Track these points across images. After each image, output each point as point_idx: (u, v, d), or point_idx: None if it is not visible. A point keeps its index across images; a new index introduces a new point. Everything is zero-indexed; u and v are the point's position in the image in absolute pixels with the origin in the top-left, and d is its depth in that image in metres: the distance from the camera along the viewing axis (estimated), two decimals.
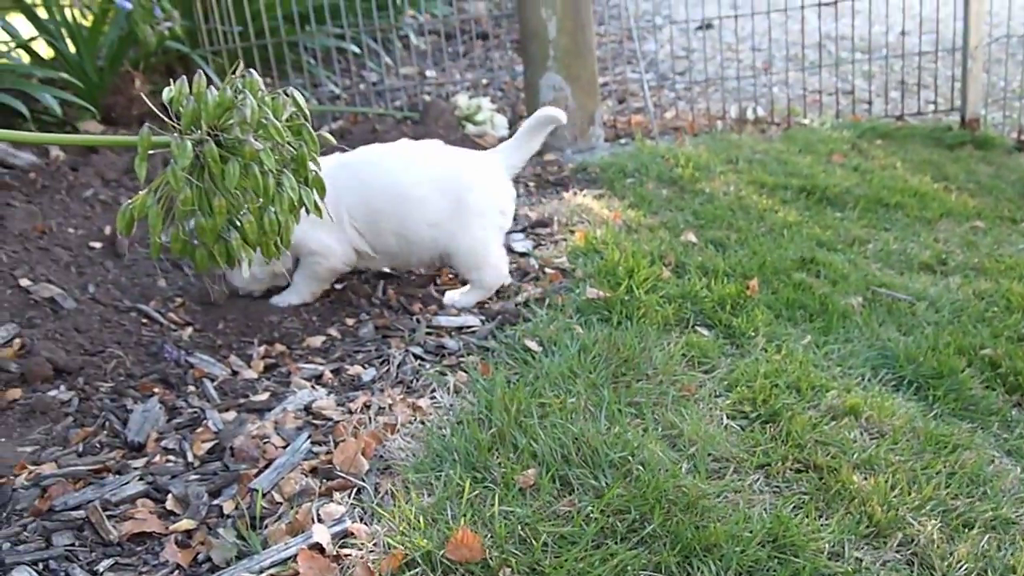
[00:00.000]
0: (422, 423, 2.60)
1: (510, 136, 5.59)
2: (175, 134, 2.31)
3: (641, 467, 2.18)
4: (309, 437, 2.41)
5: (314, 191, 2.40)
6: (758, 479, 2.20)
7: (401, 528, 2.11)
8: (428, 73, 7.23)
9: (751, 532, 1.99)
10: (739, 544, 1.91)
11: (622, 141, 5.67)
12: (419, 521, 2.11)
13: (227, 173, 2.29)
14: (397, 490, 2.17)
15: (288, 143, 2.30)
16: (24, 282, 3.32)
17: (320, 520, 2.20)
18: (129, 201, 2.35)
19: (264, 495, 2.09)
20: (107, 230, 3.91)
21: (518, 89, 6.60)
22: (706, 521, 1.99)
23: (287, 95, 2.44)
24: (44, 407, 2.73)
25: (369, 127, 5.66)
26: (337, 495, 2.29)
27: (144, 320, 3.32)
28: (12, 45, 5.25)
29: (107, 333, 3.17)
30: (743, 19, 7.40)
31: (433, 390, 2.81)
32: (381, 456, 2.38)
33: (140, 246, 3.85)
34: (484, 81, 7.00)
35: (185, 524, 2.21)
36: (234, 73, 2.32)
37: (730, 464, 2.27)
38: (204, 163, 2.31)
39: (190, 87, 2.29)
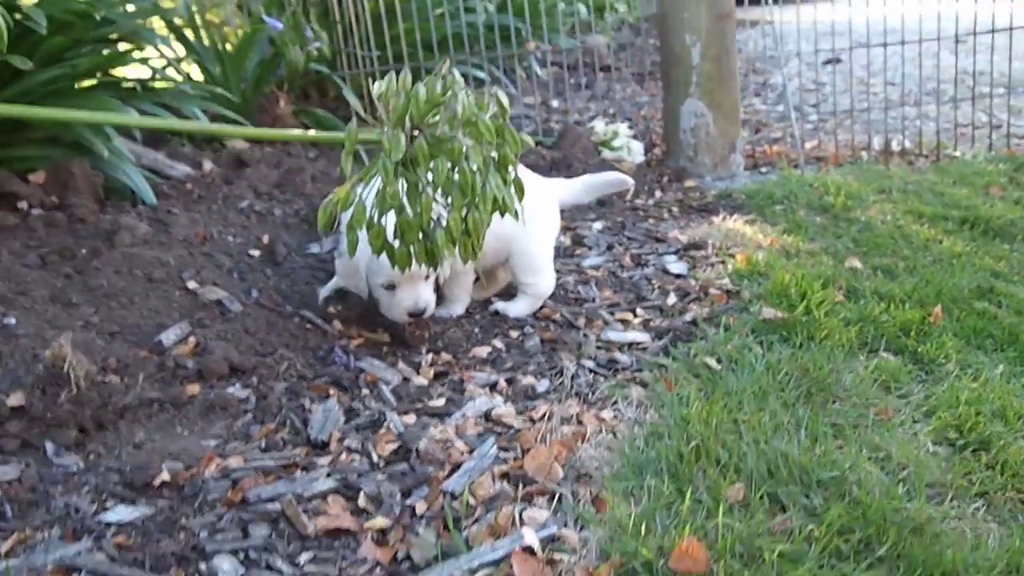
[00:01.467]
0: (612, 434, 2.53)
1: (645, 163, 5.57)
2: (385, 128, 2.32)
3: (856, 487, 2.04)
4: (495, 443, 2.32)
5: (515, 193, 2.39)
6: (980, 507, 2.12)
7: (614, 535, 2.03)
8: (553, 103, 7.24)
9: (989, 561, 1.83)
10: (978, 573, 1.76)
11: (762, 170, 5.56)
12: (635, 528, 2.02)
13: (436, 169, 2.30)
14: (599, 498, 2.05)
15: (493, 142, 2.30)
16: (191, 284, 3.38)
17: (523, 524, 2.12)
18: (330, 195, 2.36)
19: (456, 498, 2.00)
20: (264, 239, 3.97)
21: (646, 119, 6.56)
22: (939, 547, 1.85)
23: (491, 95, 2.43)
24: (223, 403, 2.73)
25: None
26: (537, 500, 2.22)
27: (308, 326, 3.33)
28: (164, 64, 5.42)
29: (275, 336, 3.19)
30: (872, 53, 7.24)
31: (614, 402, 2.74)
32: (573, 465, 2.31)
33: (296, 255, 3.89)
34: (610, 111, 6.97)
35: (380, 522, 2.17)
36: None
37: (947, 491, 2.18)
38: (412, 158, 2.33)
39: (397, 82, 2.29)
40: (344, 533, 2.04)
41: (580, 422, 2.50)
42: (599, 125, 5.75)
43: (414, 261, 2.42)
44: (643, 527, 1.94)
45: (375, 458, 2.45)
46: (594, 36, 8.82)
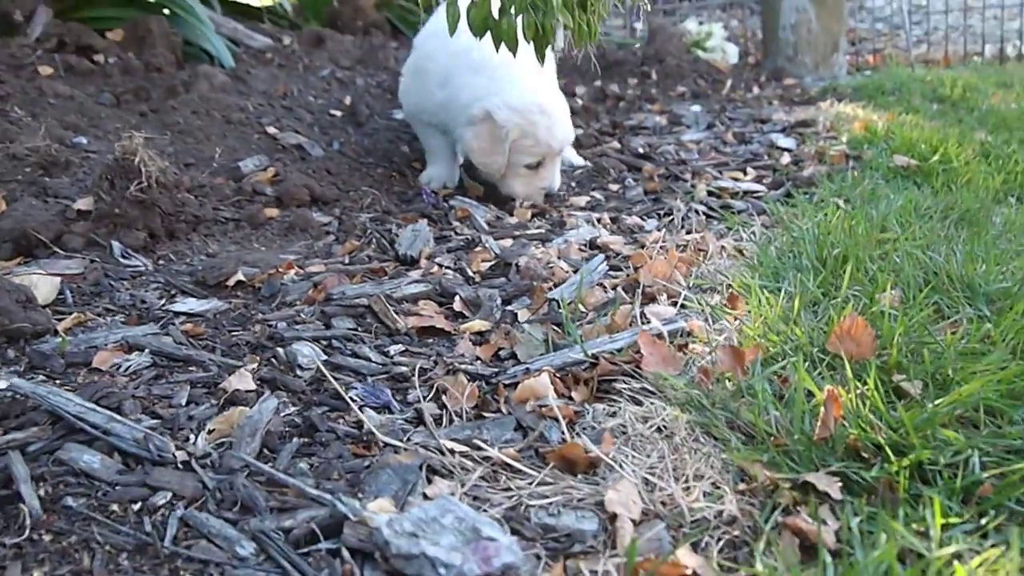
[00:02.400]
0: (739, 252, 2.23)
1: (741, 65, 5.19)
2: None
3: None
4: (604, 260, 2.04)
5: None
6: None
7: (753, 326, 1.70)
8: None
9: None
10: None
11: (866, 72, 5.13)
12: (783, 316, 1.69)
13: None
14: (732, 296, 1.74)
15: None
16: (271, 130, 3.21)
17: (646, 320, 1.83)
18: None
19: (563, 306, 1.73)
20: (347, 100, 3.78)
21: (741, 21, 6.17)
22: None
23: None
24: (304, 224, 2.54)
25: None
26: (660, 300, 1.93)
27: (394, 174, 3.14)
28: None
29: (358, 179, 3.03)
30: None
31: (734, 232, 2.44)
32: (696, 277, 1.98)
33: (379, 117, 3.69)
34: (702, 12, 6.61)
35: (478, 325, 1.96)
36: None
37: None
38: None
39: None
40: (439, 332, 1.90)
41: (699, 248, 2.20)
42: (691, 25, 5.41)
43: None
44: (789, 320, 1.59)
45: (470, 273, 2.30)
46: None
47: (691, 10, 5.94)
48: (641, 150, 3.60)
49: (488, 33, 2.14)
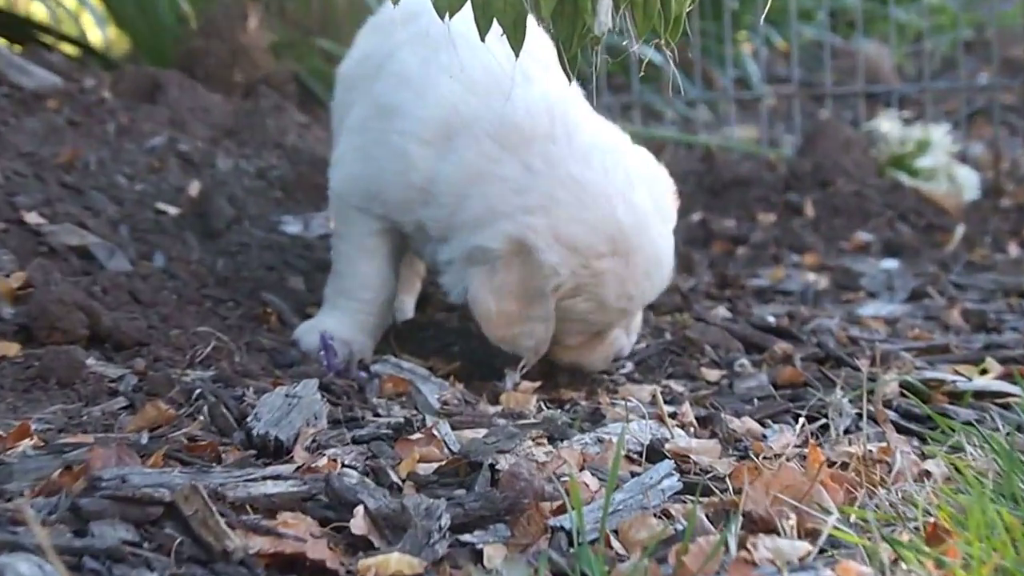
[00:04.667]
0: (956, 472, 2.38)
1: (981, 201, 5.35)
2: None
3: None
4: (677, 474, 2.13)
5: None
6: None
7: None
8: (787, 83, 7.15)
9: None
10: None
11: None
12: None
13: None
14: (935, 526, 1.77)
15: None
16: (31, 217, 3.32)
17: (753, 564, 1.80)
18: None
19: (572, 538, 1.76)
20: (192, 191, 3.89)
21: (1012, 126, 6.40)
22: None
23: None
24: (68, 372, 2.64)
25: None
26: (786, 529, 1.93)
27: (266, 318, 3.36)
28: None
29: (193, 316, 3.17)
30: None
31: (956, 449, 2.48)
32: (863, 508, 2.00)
33: (253, 227, 3.79)
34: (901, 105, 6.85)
35: (396, 563, 1.98)
36: None
37: None
38: None
39: None
40: (311, 571, 2.00)
41: (873, 462, 2.52)
42: (888, 125, 5.58)
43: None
44: None
45: (394, 477, 2.35)
46: None
47: (886, 99, 6.15)
48: (772, 320, 3.67)
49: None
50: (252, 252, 3.74)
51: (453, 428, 2.58)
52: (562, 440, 2.58)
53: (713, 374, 3.26)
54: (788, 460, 2.44)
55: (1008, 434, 2.67)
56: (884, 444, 2.55)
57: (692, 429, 2.75)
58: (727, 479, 2.37)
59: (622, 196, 2.94)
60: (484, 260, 2.90)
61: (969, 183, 5.60)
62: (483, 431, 2.56)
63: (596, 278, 2.88)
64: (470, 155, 2.97)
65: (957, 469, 2.36)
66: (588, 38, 2.34)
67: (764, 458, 2.49)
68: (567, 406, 2.94)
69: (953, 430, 2.68)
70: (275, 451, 2.40)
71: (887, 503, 2.23)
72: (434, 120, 3.03)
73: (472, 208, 2.94)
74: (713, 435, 2.70)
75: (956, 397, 3.05)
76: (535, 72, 3.03)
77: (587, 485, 2.31)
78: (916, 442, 2.74)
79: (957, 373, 3.21)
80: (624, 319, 3.06)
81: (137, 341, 2.89)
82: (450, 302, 3.23)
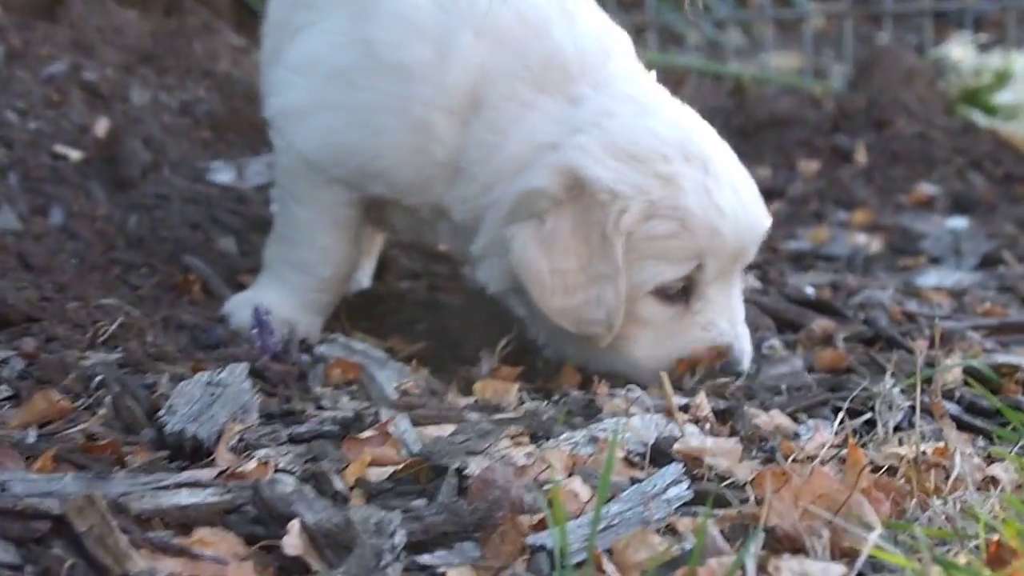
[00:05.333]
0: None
1: None
2: None
3: None
4: (687, 480, 2.45)
5: None
6: None
7: None
8: None
9: None
10: None
11: None
12: None
13: None
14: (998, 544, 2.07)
15: None
16: None
17: None
18: None
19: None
20: (99, 130, 3.90)
21: None
22: None
23: None
24: None
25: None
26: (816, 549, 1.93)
27: (188, 286, 3.33)
28: None
29: (97, 285, 3.17)
30: None
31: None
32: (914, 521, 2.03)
33: (175, 174, 3.79)
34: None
35: None
36: None
37: None
38: None
39: None
40: None
41: (928, 467, 2.51)
42: (961, 51, 5.58)
43: None
44: None
45: (339, 484, 2.35)
46: None
47: (959, 20, 6.16)
48: (811, 292, 3.68)
49: None
50: (172, 206, 3.72)
51: (414, 424, 2.57)
52: (547, 439, 2.56)
53: None
54: (823, 464, 2.43)
55: None
56: (941, 444, 2.55)
57: (708, 425, 2.73)
58: (747, 487, 2.37)
59: (686, 110, 3.00)
60: (529, 211, 2.89)
61: None
62: (451, 428, 2.55)
63: (670, 186, 2.86)
64: (502, 111, 2.98)
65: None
66: None
67: (794, 461, 2.48)
68: (555, 397, 2.92)
69: None
70: (192, 452, 2.39)
71: (942, 516, 2.22)
72: (460, 87, 3.03)
73: (508, 152, 2.95)
74: (733, 433, 2.70)
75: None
76: (576, 6, 3.10)
77: (576, 494, 2.29)
78: (982, 442, 2.75)
79: None
80: (721, 264, 2.96)
81: (26, 316, 2.87)
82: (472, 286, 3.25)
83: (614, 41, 3.13)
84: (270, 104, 3.29)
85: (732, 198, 2.91)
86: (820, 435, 2.62)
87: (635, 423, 2.62)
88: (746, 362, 3.02)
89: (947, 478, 2.36)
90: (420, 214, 3.13)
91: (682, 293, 2.97)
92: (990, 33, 6.45)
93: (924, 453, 2.48)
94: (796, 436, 2.72)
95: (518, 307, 3.13)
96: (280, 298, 3.16)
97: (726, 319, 3.01)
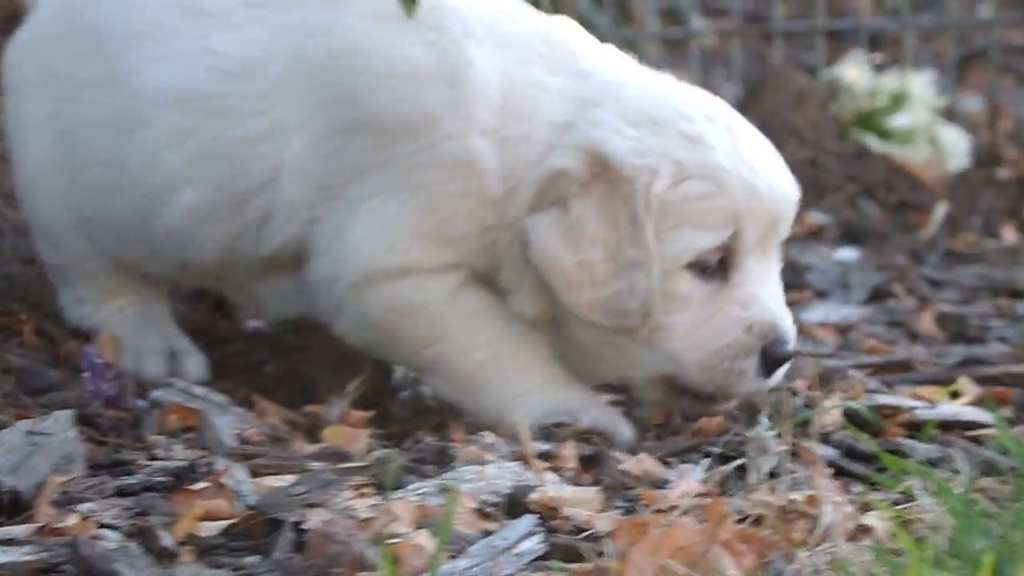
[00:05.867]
0: (902, 527, 2.33)
1: (973, 172, 5.40)
2: None
3: None
4: (543, 532, 2.48)
5: None
6: None
7: None
8: None
9: None
10: None
11: None
12: None
13: None
14: None
15: None
16: None
17: None
18: None
19: None
20: None
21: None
22: None
23: None
24: None
25: None
26: None
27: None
28: None
29: None
30: None
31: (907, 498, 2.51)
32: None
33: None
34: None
35: None
36: None
37: None
38: None
39: None
40: None
41: (794, 517, 2.52)
42: (853, 72, 5.64)
43: None
44: None
45: (167, 541, 2.31)
46: None
47: (854, 39, 6.22)
48: None
49: None
50: (4, 240, 3.70)
51: (253, 474, 2.58)
52: (395, 489, 2.55)
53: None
54: (686, 514, 2.42)
55: (974, 477, 2.70)
56: (814, 492, 2.50)
57: (571, 473, 2.74)
58: (606, 539, 2.34)
59: (695, 86, 3.00)
60: (551, 199, 2.85)
61: (956, 148, 5.63)
62: (292, 478, 2.56)
63: (697, 145, 2.84)
64: (524, 97, 2.96)
65: (903, 524, 2.37)
66: None
67: (657, 511, 2.47)
68: (408, 443, 2.93)
69: (906, 472, 2.70)
70: (10, 506, 2.36)
71: (810, 569, 2.22)
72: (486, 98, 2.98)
73: (534, 137, 2.93)
74: (597, 481, 2.70)
75: (916, 429, 3.06)
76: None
77: (423, 548, 2.25)
78: (861, 488, 2.75)
79: (919, 397, 3.23)
80: (759, 229, 2.91)
81: None
82: None
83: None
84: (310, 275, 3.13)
85: (762, 158, 2.92)
86: (685, 483, 2.61)
87: (490, 471, 2.61)
88: (793, 341, 2.97)
89: (815, 528, 2.36)
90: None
91: (720, 268, 2.93)
92: (886, 53, 6.49)
93: (795, 501, 2.48)
94: (665, 483, 2.71)
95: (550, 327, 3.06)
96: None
97: (767, 294, 2.98)
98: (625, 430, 3.12)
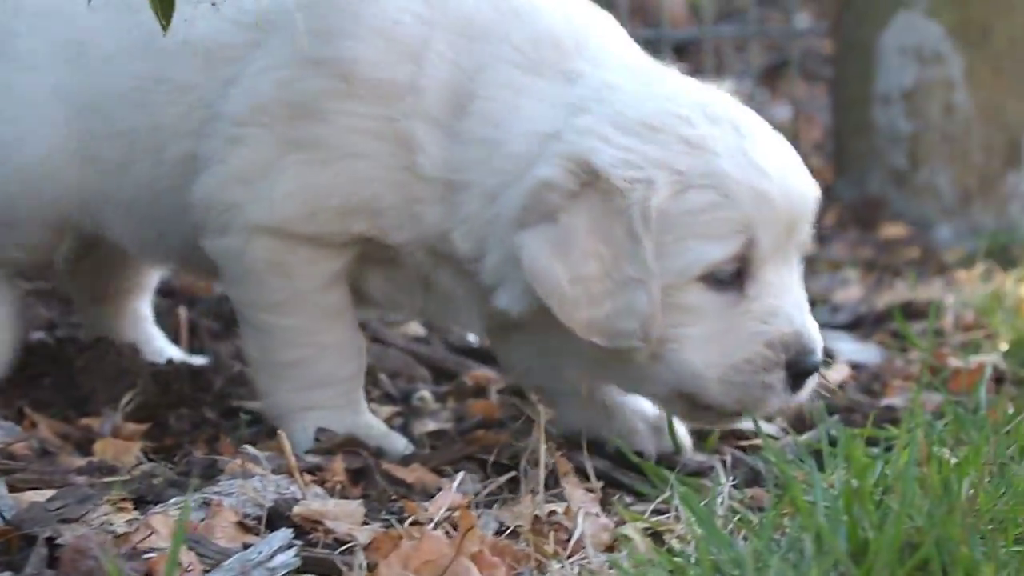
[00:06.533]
0: (659, 541, 2.41)
1: None
2: None
3: None
4: (297, 545, 2.44)
5: None
6: None
7: None
8: None
9: None
10: None
11: None
12: None
13: None
14: None
15: None
16: None
17: None
18: None
19: None
20: None
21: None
22: None
23: None
24: None
25: None
26: None
27: None
28: None
29: None
30: None
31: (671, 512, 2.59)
32: None
33: None
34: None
35: None
36: None
37: None
38: None
39: None
40: None
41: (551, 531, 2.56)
42: None
43: None
44: None
45: None
46: None
47: (655, 48, 6.30)
48: (473, 341, 3.73)
49: None
50: None
51: (12, 489, 2.55)
52: (156, 503, 2.55)
53: (385, 411, 3.26)
54: (438, 526, 2.45)
55: (735, 485, 2.74)
56: (562, 507, 2.56)
57: (339, 486, 2.75)
58: (363, 551, 2.36)
59: (694, 81, 2.97)
60: (539, 212, 2.74)
61: None
62: (46, 494, 2.53)
63: (698, 151, 2.73)
64: (496, 101, 2.88)
65: (654, 536, 2.40)
66: None
67: (414, 523, 2.50)
68: (177, 457, 2.93)
69: (669, 483, 2.72)
70: None
71: None
72: (438, 91, 2.93)
73: (509, 148, 2.83)
74: (365, 494, 2.71)
75: (700, 438, 3.09)
76: None
77: (180, 563, 2.24)
78: (629, 498, 2.78)
79: None
80: (774, 236, 2.78)
81: None
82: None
83: (603, 16, 3.09)
84: (205, 186, 3.06)
85: (774, 159, 2.80)
86: (446, 495, 2.60)
87: (255, 484, 2.62)
88: (819, 351, 2.85)
89: (568, 541, 2.37)
90: (412, 264, 3.02)
91: (735, 279, 2.83)
92: (688, 63, 6.58)
93: (554, 513, 2.51)
94: (437, 493, 2.69)
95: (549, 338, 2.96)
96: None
97: (789, 304, 2.85)
98: (399, 443, 3.12)
